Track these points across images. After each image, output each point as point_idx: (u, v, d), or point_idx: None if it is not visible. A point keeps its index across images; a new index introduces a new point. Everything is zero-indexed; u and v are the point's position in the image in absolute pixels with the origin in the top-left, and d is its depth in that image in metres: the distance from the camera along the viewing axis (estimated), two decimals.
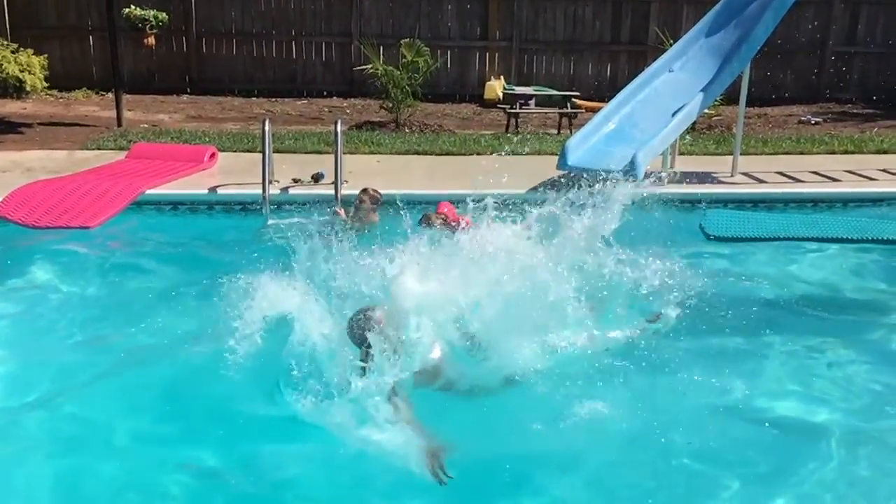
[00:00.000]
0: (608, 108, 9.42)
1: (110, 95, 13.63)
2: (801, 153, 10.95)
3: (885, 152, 10.98)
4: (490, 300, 4.34)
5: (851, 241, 7.27)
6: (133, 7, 13.60)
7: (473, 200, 4.81)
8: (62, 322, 5.54)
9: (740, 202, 8.57)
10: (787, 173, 9.59)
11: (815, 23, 16.22)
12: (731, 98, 11.05)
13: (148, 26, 13.57)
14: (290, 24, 16.27)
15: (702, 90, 9.04)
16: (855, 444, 4.25)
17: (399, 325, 4.21)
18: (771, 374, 5.00)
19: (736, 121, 10.10)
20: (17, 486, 3.92)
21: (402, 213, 4.78)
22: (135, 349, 5.10)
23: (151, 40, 13.92)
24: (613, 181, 4.97)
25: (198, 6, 15.87)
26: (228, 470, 4.05)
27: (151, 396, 4.56)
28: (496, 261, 4.43)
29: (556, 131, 13.06)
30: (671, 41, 11.31)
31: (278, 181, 8.68)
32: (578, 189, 4.88)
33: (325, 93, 16.17)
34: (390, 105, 12.97)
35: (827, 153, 11.05)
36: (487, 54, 16.53)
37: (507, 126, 13.23)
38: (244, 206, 8.24)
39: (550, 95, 14.20)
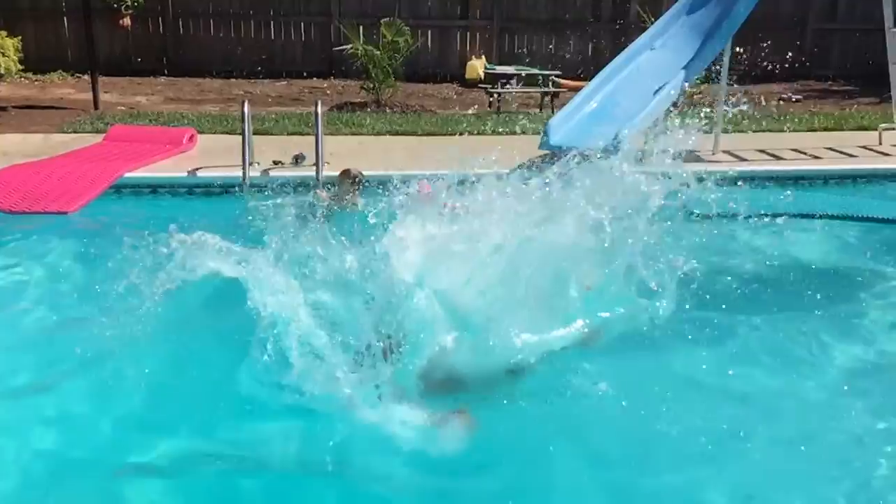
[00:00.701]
0: (590, 86, 9.39)
1: (86, 78, 13.45)
2: (782, 131, 10.99)
3: (864, 129, 11.04)
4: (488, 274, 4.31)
5: None
6: None
7: (455, 182, 4.76)
8: (39, 309, 5.46)
9: (723, 180, 8.56)
10: (769, 151, 9.61)
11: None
12: (711, 76, 11.05)
13: (123, 6, 13.40)
14: (269, 4, 16.10)
15: (683, 68, 9.04)
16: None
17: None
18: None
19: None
20: None
21: (383, 193, 4.73)
22: (115, 335, 5.03)
23: (127, 21, 13.75)
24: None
25: None
26: (215, 451, 4.02)
27: (133, 384, 4.49)
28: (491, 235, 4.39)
29: (538, 111, 13.02)
30: (653, 19, 11.29)
31: (259, 163, 8.61)
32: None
33: (304, 74, 16.04)
34: (371, 86, 12.88)
35: (808, 130, 11.10)
36: (468, 34, 16.45)
37: (489, 106, 13.18)
38: (225, 189, 8.16)
39: (532, 75, 14.15)
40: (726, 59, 9.39)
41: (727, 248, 6.39)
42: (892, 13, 9.58)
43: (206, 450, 4.08)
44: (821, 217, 7.36)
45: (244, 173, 7.94)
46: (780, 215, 6.78)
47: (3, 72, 11.59)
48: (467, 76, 15.80)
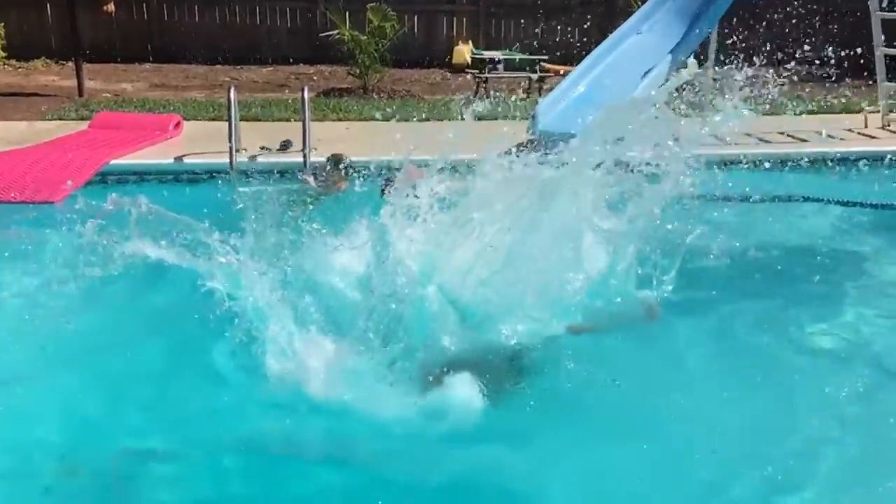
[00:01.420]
0: (577, 71, 9.39)
1: (70, 65, 13.33)
2: (768, 114, 10.98)
3: (849, 111, 11.07)
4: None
5: None
6: None
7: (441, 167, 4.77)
8: (25, 301, 5.40)
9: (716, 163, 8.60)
10: (755, 134, 9.64)
11: None
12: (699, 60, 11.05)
13: None
14: None
15: (670, 52, 9.04)
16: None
17: None
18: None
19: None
20: None
21: (369, 178, 4.73)
22: (104, 327, 5.00)
23: (111, 7, 13.64)
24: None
25: None
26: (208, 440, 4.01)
27: (125, 376, 4.46)
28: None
29: (525, 95, 13.00)
30: (639, 3, 11.27)
31: (246, 149, 8.57)
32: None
33: (290, 60, 15.94)
34: (357, 71, 12.83)
35: (795, 114, 11.12)
36: (455, 18, 16.38)
37: (476, 91, 13.15)
38: (212, 175, 8.12)
39: (519, 59, 14.12)
40: (713, 44, 9.40)
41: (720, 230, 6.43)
42: None
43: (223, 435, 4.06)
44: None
45: (231, 160, 7.91)
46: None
47: None
48: (454, 61, 15.76)
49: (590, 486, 3.71)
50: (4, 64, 13.82)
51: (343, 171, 7.48)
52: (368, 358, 4.11)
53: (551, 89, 9.65)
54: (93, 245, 4.52)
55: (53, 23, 15.33)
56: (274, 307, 4.24)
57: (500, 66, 13.78)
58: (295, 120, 9.53)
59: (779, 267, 6.04)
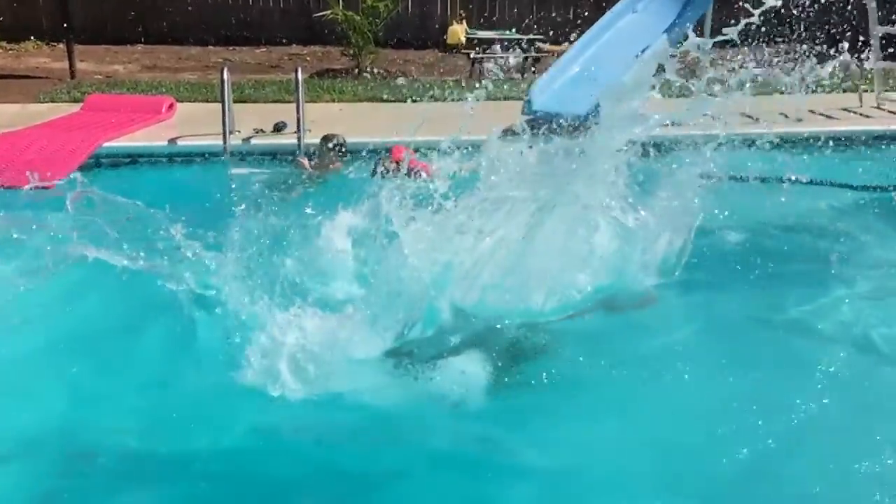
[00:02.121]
0: (572, 50, 9.35)
1: (62, 46, 13.23)
2: (761, 94, 10.95)
3: (845, 91, 11.05)
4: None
5: None
6: None
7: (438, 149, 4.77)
8: (19, 291, 5.37)
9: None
10: (750, 114, 9.60)
11: None
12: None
13: None
14: None
15: (665, 31, 8.99)
16: None
17: None
18: None
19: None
20: None
21: (362, 158, 4.72)
22: (100, 315, 4.97)
23: None
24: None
25: None
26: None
27: (118, 366, 4.44)
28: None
29: (520, 76, 12.95)
30: None
31: (240, 131, 8.53)
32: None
33: (283, 41, 15.83)
34: (351, 52, 12.75)
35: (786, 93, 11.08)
36: None
37: (471, 72, 13.09)
38: (205, 157, 8.08)
39: (514, 39, 14.05)
40: (708, 23, 9.37)
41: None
42: None
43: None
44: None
45: (225, 142, 7.87)
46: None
47: None
48: (448, 41, 15.67)
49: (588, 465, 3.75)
50: None
51: (336, 150, 7.44)
52: (368, 342, 4.11)
53: (547, 69, 9.60)
54: (86, 229, 4.50)
55: (44, 4, 15.19)
56: (271, 293, 4.23)
57: (496, 47, 13.71)
58: (288, 101, 9.47)
59: (780, 247, 6.05)
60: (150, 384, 4.21)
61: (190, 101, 10.16)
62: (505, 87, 10.92)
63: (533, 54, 13.23)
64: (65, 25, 12.09)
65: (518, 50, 13.67)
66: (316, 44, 15.55)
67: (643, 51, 8.87)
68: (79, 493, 3.58)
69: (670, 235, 4.97)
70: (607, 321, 4.71)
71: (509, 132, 4.87)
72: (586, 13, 15.82)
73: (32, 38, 15.03)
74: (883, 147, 8.83)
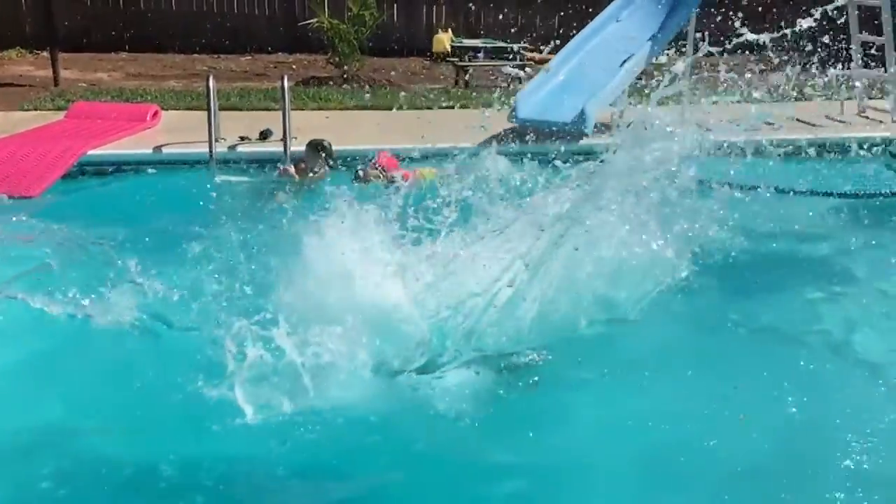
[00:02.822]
0: (556, 59, 9.42)
1: (45, 54, 13.16)
2: (747, 101, 11.02)
3: (827, 98, 11.12)
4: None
5: None
6: None
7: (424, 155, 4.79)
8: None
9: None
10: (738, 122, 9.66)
11: None
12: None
13: None
14: None
15: (649, 39, 9.07)
16: None
17: None
18: None
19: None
20: None
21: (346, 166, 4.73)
22: (86, 323, 4.93)
23: None
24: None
25: None
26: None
27: (101, 373, 4.42)
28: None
29: (505, 84, 12.97)
30: None
31: (225, 139, 8.51)
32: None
33: (269, 48, 15.79)
34: (337, 60, 12.76)
35: (772, 101, 11.15)
36: (435, 6, 16.31)
37: (457, 80, 13.12)
38: (191, 165, 8.06)
39: (500, 48, 14.09)
40: (691, 32, 9.42)
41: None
42: None
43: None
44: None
45: (210, 149, 7.86)
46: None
47: None
48: (434, 49, 15.66)
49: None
50: None
51: (323, 156, 7.43)
52: (362, 353, 4.10)
53: (531, 78, 9.63)
54: (70, 239, 4.48)
55: (27, 11, 15.11)
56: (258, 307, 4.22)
57: (481, 55, 13.75)
58: (274, 109, 9.46)
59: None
60: (140, 396, 4.20)
61: (175, 109, 10.14)
62: (490, 94, 10.95)
63: (518, 62, 13.26)
64: (49, 33, 12.03)
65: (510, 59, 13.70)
66: (302, 52, 15.52)
67: (627, 59, 8.97)
68: None
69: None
70: (606, 329, 4.73)
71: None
72: (574, 23, 15.93)
73: (17, 46, 14.93)
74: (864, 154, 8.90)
